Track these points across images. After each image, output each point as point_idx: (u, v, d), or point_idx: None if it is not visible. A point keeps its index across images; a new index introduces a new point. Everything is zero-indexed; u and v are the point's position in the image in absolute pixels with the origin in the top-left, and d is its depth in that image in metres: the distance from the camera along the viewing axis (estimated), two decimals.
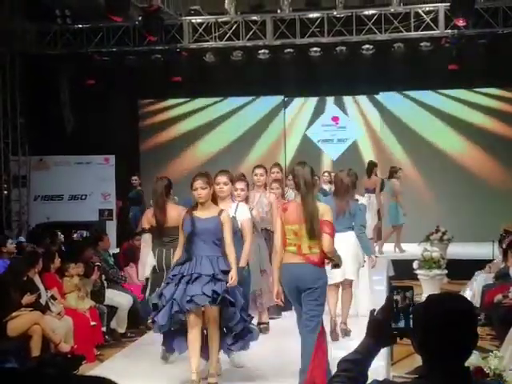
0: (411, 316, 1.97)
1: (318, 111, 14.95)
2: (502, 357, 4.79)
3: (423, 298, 8.06)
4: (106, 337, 7.40)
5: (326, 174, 11.89)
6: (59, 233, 10.26)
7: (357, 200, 7.01)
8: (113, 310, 7.70)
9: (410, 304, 1.99)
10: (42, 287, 6.85)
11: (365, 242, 6.67)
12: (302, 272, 4.91)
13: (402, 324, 1.97)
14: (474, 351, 4.70)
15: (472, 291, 8.45)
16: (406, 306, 1.98)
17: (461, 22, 12.07)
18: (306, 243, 4.93)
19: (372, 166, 12.15)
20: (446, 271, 8.47)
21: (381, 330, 2.00)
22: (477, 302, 8.20)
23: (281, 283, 5.09)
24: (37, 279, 6.90)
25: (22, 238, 11.03)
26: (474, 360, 4.41)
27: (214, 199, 5.46)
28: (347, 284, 6.72)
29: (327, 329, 5.48)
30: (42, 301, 6.70)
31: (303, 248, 4.93)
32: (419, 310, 1.98)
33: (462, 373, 1.95)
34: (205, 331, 5.35)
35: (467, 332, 1.96)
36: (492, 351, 4.96)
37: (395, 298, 1.99)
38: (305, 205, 4.96)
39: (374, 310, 2.07)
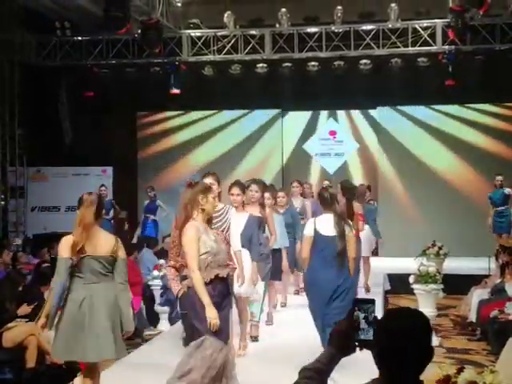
0: (372, 328, 2.04)
1: (316, 125, 15.02)
2: (498, 372, 4.78)
3: None
4: None
5: (296, 183, 9.77)
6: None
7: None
8: None
9: (371, 317, 2.06)
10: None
11: None
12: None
13: (363, 336, 2.05)
14: (469, 366, 4.70)
15: (468, 306, 8.46)
16: (367, 318, 2.05)
17: (452, 35, 12.15)
18: None
19: None
20: (442, 286, 8.46)
21: (343, 341, 2.08)
22: (473, 317, 8.22)
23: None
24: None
25: None
26: (468, 375, 4.41)
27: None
28: (366, 258, 9.19)
29: None
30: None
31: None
32: (378, 322, 2.05)
33: None
34: None
35: (422, 346, 2.02)
36: (487, 366, 4.96)
37: (357, 310, 2.06)
38: (346, 206, 7.28)
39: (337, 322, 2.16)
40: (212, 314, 4.47)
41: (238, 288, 5.85)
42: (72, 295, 4.63)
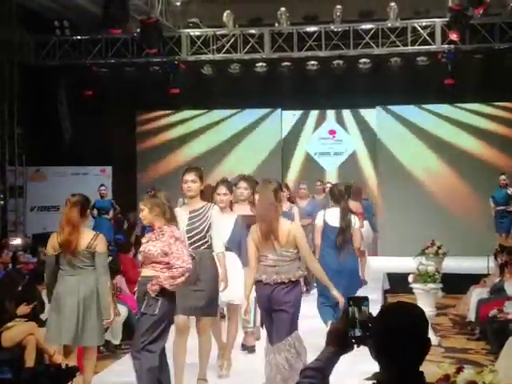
0: (367, 324, 2.08)
1: (315, 124, 15.02)
2: (497, 371, 4.78)
3: None
4: (101, 348, 7.37)
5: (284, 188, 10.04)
6: None
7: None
8: None
9: (367, 313, 2.10)
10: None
11: None
12: None
13: (359, 332, 2.08)
14: (468, 365, 4.70)
15: (467, 305, 8.45)
16: (362, 315, 2.09)
17: (454, 37, 12.17)
18: None
19: None
20: (441, 285, 8.48)
21: (340, 339, 2.12)
22: (472, 317, 8.22)
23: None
24: None
25: None
26: (468, 374, 4.41)
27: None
28: (362, 252, 9.13)
29: None
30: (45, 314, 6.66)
31: None
32: (375, 319, 2.09)
33: (415, 377, 2.06)
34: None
35: (419, 339, 2.06)
36: (487, 366, 4.96)
37: (352, 308, 2.10)
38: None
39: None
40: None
41: (230, 295, 5.42)
42: (55, 287, 5.11)
